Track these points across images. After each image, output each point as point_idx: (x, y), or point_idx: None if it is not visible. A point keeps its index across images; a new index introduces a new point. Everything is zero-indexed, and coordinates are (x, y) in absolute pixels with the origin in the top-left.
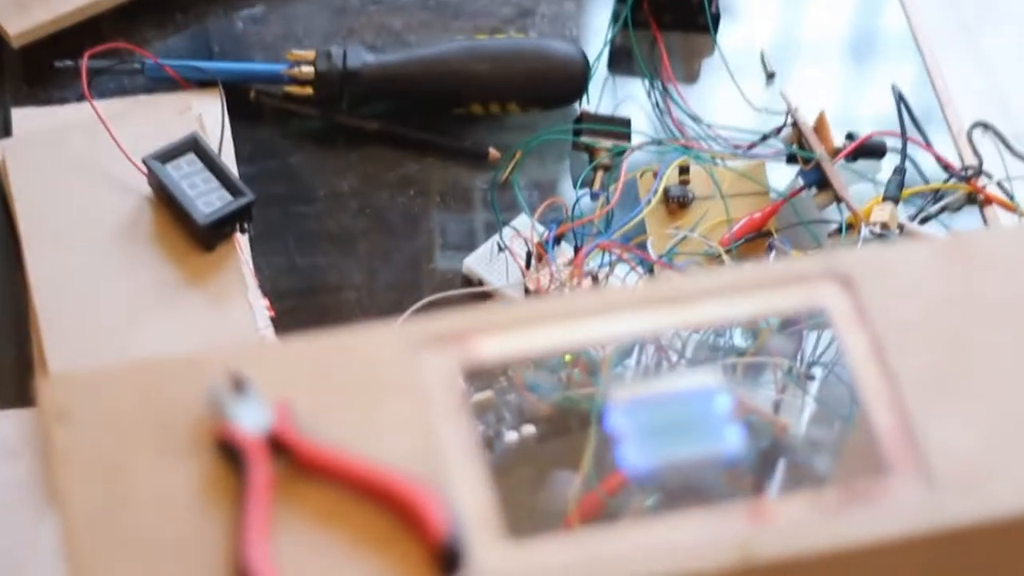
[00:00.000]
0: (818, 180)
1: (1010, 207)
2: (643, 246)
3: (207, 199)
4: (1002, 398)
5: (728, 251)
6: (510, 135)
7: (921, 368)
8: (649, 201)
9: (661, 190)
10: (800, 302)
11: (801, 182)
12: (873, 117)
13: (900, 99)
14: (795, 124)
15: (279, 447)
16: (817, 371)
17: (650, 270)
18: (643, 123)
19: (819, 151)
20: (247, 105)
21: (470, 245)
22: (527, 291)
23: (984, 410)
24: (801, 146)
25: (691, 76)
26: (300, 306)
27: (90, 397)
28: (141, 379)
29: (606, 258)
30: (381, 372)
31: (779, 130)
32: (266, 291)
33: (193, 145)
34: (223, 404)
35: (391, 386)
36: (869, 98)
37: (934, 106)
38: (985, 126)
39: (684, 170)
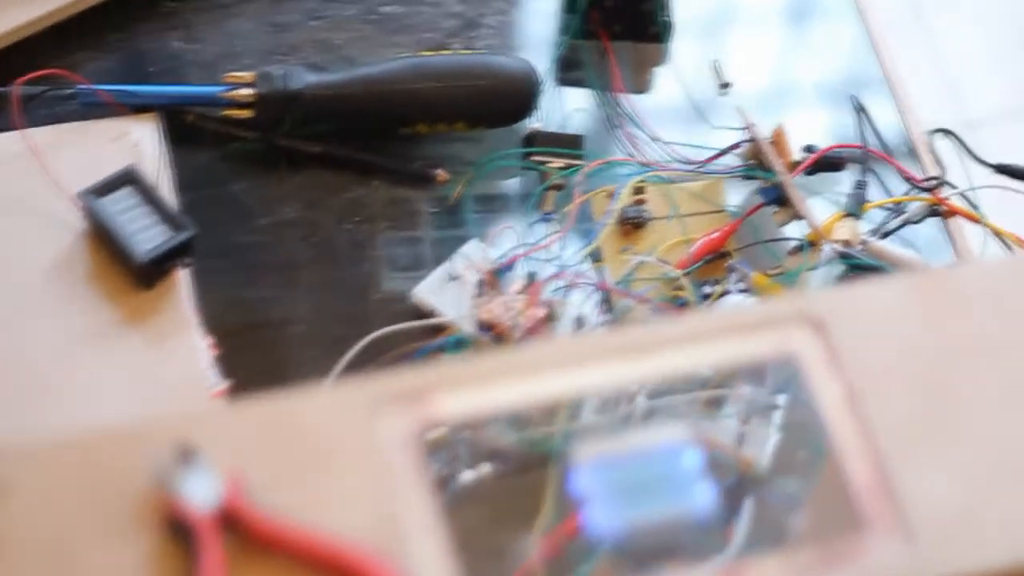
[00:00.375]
0: (777, 197)
1: (974, 218)
2: (599, 271)
3: (146, 235)
4: (981, 443)
5: (686, 274)
6: (458, 149)
7: (897, 415)
8: (604, 225)
9: (616, 211)
10: (770, 348)
11: (760, 199)
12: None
13: (860, 110)
14: (752, 140)
15: (231, 522)
16: (781, 399)
17: (606, 298)
18: (595, 138)
19: (778, 167)
20: (185, 129)
21: (418, 267)
22: (480, 324)
23: (963, 458)
24: (759, 162)
25: (642, 87)
26: (245, 343)
27: (30, 473)
28: (83, 452)
29: (561, 283)
30: (336, 437)
31: (736, 146)
32: (209, 328)
33: (130, 178)
34: (171, 478)
35: (347, 451)
36: (824, 100)
37: (886, 95)
38: (946, 132)
39: (639, 189)
